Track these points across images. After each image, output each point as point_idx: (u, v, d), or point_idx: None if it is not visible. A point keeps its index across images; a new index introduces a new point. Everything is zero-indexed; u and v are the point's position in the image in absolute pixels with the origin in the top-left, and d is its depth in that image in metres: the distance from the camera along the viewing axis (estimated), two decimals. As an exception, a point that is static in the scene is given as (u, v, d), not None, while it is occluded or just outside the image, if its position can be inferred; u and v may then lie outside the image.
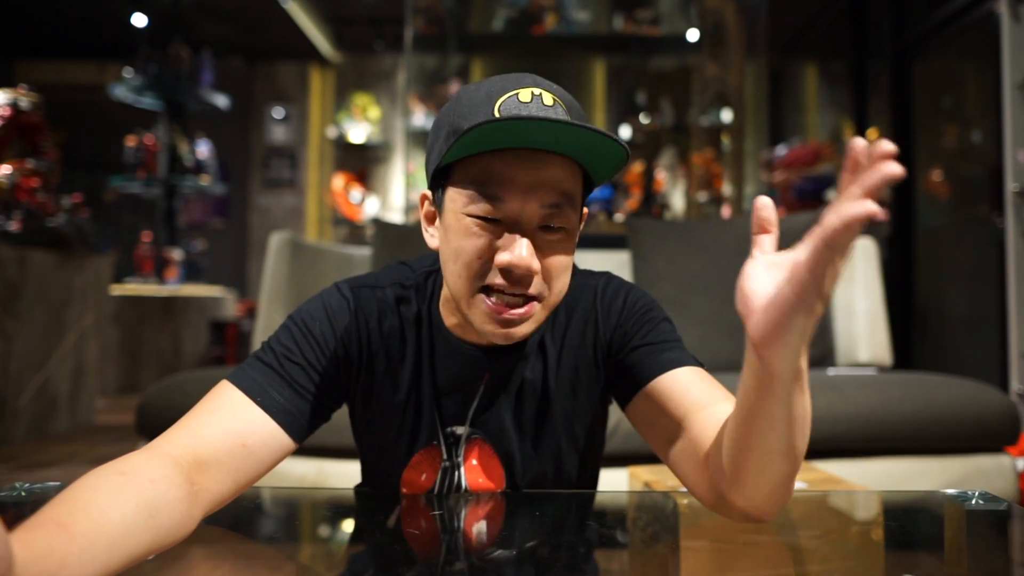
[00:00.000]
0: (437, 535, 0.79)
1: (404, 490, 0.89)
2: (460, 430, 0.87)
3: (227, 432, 0.71)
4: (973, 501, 0.84)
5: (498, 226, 0.74)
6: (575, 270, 0.92)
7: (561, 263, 0.76)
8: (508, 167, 0.73)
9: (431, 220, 0.83)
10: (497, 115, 0.73)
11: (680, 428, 0.77)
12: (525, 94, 0.74)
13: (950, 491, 0.89)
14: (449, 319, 0.85)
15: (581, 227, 0.83)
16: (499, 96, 0.74)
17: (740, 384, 0.64)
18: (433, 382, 0.86)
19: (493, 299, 0.75)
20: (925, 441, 1.79)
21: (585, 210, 0.83)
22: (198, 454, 0.68)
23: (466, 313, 0.77)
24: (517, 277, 0.73)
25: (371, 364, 0.86)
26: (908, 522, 0.90)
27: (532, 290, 0.75)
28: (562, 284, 0.78)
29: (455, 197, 0.76)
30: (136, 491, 0.58)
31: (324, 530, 0.89)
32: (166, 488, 0.61)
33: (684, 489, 0.80)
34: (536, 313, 0.77)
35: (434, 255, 0.87)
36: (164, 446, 0.67)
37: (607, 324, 0.87)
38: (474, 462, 0.87)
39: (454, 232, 0.76)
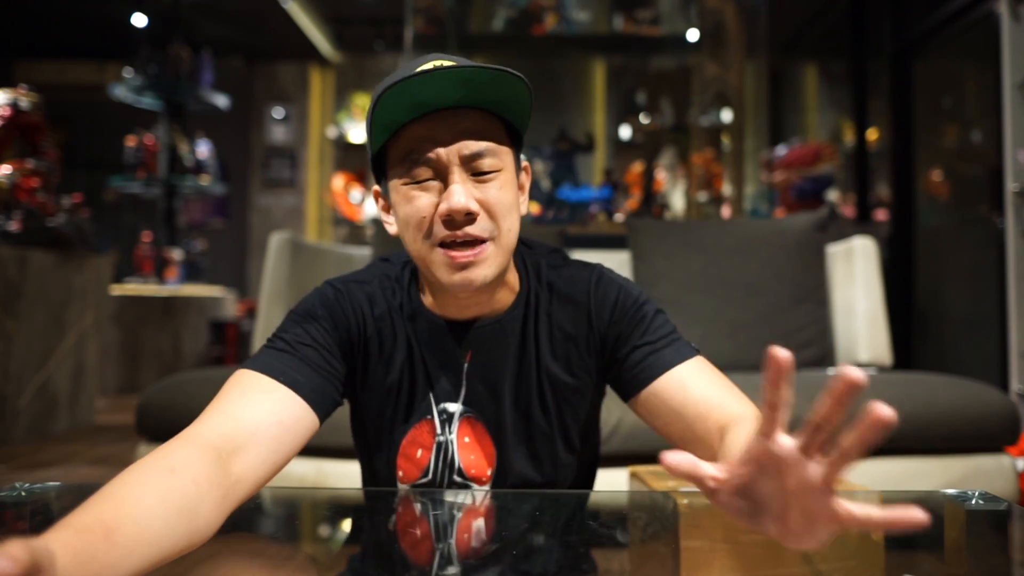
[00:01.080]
0: (436, 535, 0.79)
1: (400, 472, 0.90)
2: (452, 407, 0.89)
3: (264, 412, 0.73)
4: (973, 501, 0.84)
5: (434, 184, 0.80)
6: (567, 259, 0.95)
7: (501, 201, 0.80)
8: (427, 129, 0.79)
9: (387, 211, 0.88)
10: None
11: (683, 425, 0.81)
12: (428, 66, 0.79)
13: (950, 491, 0.89)
14: (427, 298, 0.89)
15: (527, 180, 0.89)
16: (402, 77, 0.78)
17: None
18: (424, 361, 0.89)
19: (445, 248, 0.79)
20: (925, 441, 1.79)
21: (526, 164, 0.89)
22: (237, 440, 0.69)
23: (431, 275, 0.82)
24: (459, 222, 0.78)
25: (367, 347, 0.89)
26: (908, 522, 0.90)
27: (479, 231, 0.79)
28: (510, 223, 0.81)
29: (393, 178, 0.82)
30: (182, 495, 0.60)
31: (324, 530, 0.89)
32: (207, 490, 0.63)
33: (684, 489, 0.81)
34: (490, 254, 0.80)
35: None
36: (206, 434, 0.68)
37: (600, 319, 0.89)
38: (467, 439, 0.89)
39: (401, 206, 0.82)
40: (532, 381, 0.89)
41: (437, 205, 0.79)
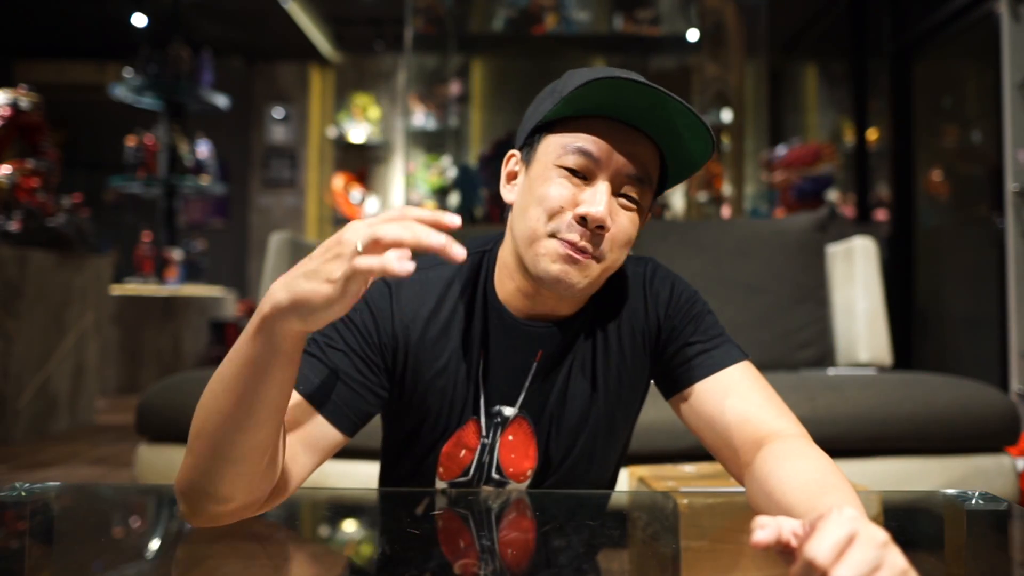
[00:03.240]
0: (436, 534, 0.79)
1: (441, 469, 0.89)
2: (508, 411, 0.87)
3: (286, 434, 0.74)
4: (973, 501, 0.84)
5: (583, 182, 0.79)
6: None
7: (627, 232, 0.81)
8: (607, 132, 0.78)
9: (511, 178, 0.87)
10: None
11: (721, 429, 0.81)
12: (635, 81, 0.78)
13: (950, 491, 0.89)
14: (505, 288, 0.86)
15: (645, 222, 0.87)
16: (607, 75, 0.77)
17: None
18: (482, 360, 0.86)
19: (564, 240, 0.78)
20: (925, 441, 1.79)
21: (657, 207, 0.86)
22: None
23: (530, 256, 0.80)
24: (591, 229, 0.77)
25: (415, 346, 0.86)
26: (908, 522, 0.90)
27: (600, 249, 0.79)
28: (621, 255, 0.82)
29: (550, 149, 0.80)
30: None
31: (325, 530, 0.89)
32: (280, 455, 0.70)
33: (684, 489, 0.81)
34: (592, 271, 0.79)
35: (484, 238, 0.92)
36: None
37: (655, 313, 0.89)
38: (511, 438, 0.88)
39: (541, 180, 0.80)
40: (587, 382, 0.88)
41: (576, 203, 0.78)
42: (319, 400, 0.76)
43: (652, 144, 0.80)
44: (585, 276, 0.79)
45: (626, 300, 0.90)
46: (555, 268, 0.78)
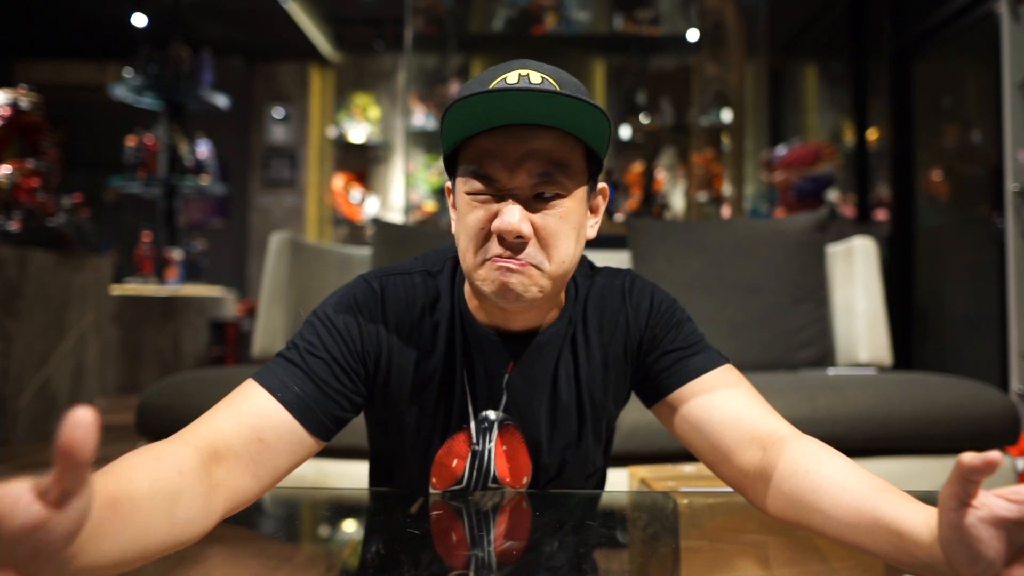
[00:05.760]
0: (435, 535, 0.79)
1: (434, 479, 0.89)
2: (493, 415, 0.87)
3: (243, 426, 0.72)
4: (973, 501, 0.84)
5: (494, 200, 0.77)
6: (599, 268, 0.94)
7: (557, 230, 0.77)
8: (496, 144, 0.76)
9: (455, 208, 0.85)
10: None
11: (710, 430, 0.82)
12: (512, 76, 0.77)
13: (950, 491, 0.88)
14: (472, 302, 0.86)
15: (602, 203, 0.86)
16: (490, 82, 0.77)
17: (870, 534, 0.64)
18: (465, 367, 0.87)
19: (494, 259, 0.77)
20: (925, 441, 1.79)
21: (602, 186, 0.86)
22: (216, 447, 0.69)
23: (476, 285, 0.79)
24: (510, 243, 0.76)
25: (400, 354, 0.85)
26: (908, 522, 0.90)
27: (527, 259, 0.76)
28: (563, 253, 0.78)
29: (460, 181, 0.80)
30: (165, 481, 0.60)
31: (324, 530, 0.89)
32: (190, 482, 0.63)
33: (684, 489, 0.81)
34: (535, 277, 0.77)
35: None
36: (188, 436, 0.69)
37: (637, 323, 0.89)
38: (504, 448, 0.88)
39: (461, 211, 0.80)
40: (572, 394, 0.88)
41: (493, 220, 0.77)
42: (296, 407, 0.76)
43: (557, 130, 0.77)
44: (530, 282, 0.77)
45: (606, 312, 0.90)
46: (495, 288, 0.77)
